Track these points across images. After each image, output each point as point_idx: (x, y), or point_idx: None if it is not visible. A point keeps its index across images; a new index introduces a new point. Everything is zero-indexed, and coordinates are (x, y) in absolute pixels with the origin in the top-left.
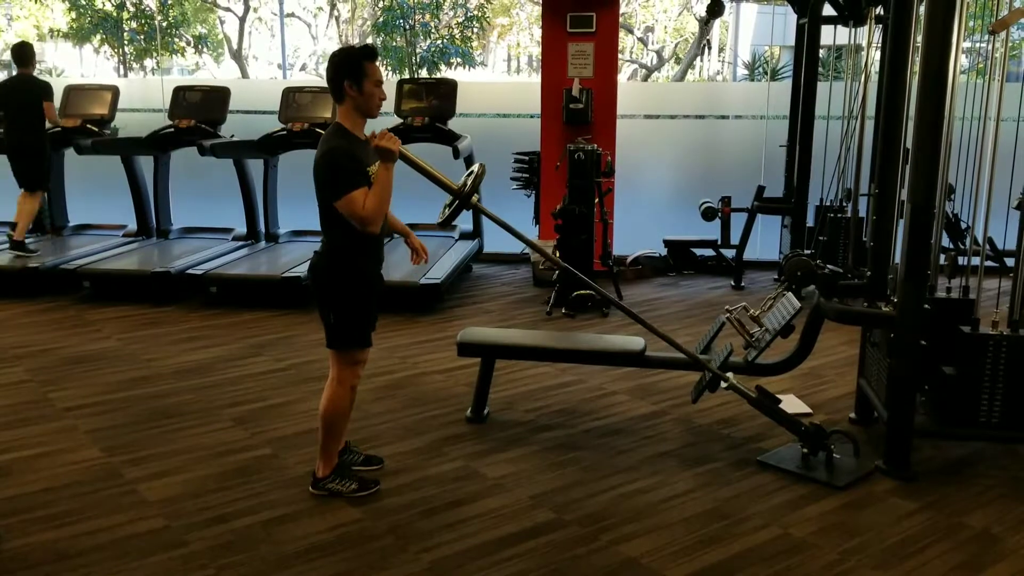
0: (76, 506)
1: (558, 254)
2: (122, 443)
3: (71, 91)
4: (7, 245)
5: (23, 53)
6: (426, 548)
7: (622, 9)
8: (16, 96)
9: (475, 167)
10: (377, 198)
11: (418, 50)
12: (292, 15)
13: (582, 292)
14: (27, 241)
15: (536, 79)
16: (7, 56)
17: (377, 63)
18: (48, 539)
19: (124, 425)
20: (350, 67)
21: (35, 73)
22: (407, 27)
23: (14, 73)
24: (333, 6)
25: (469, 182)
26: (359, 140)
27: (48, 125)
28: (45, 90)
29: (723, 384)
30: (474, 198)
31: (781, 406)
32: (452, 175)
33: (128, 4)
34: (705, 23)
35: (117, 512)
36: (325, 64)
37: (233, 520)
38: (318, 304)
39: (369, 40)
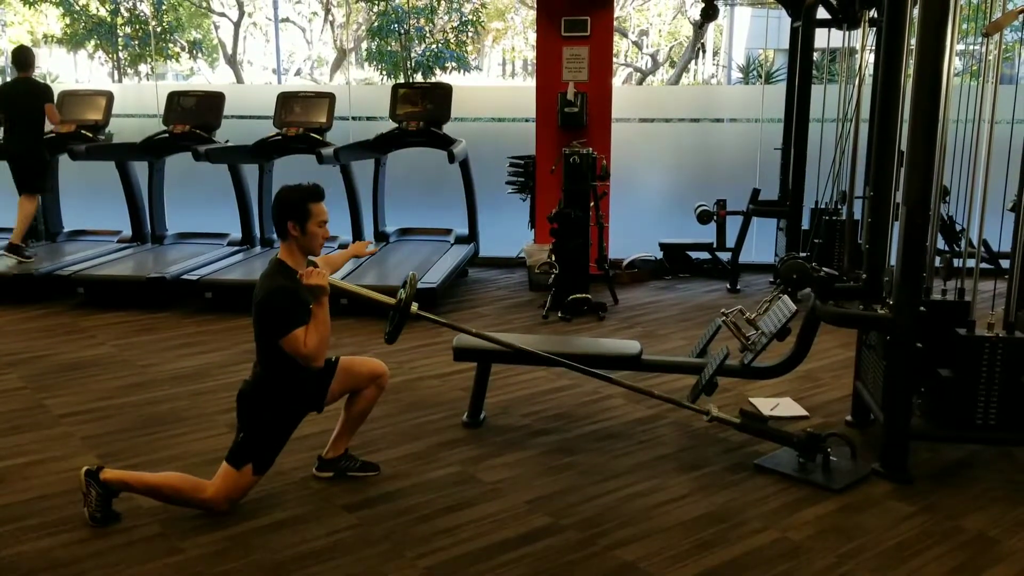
0: (70, 513)
1: (554, 258)
2: (117, 450)
3: (65, 97)
4: (3, 250)
5: (23, 57)
6: (422, 554)
7: (616, 13)
8: (16, 100)
9: (408, 276)
10: (317, 335)
11: (413, 54)
12: (287, 20)
13: (578, 296)
14: (26, 247)
15: (531, 83)
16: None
17: (323, 204)
18: (42, 547)
19: (119, 432)
20: (295, 209)
21: (33, 75)
22: (402, 32)
23: (14, 77)
24: (328, 11)
25: (405, 295)
26: (298, 278)
27: (48, 128)
28: (46, 93)
29: (705, 418)
30: (413, 307)
31: (776, 410)
32: (447, 179)
33: (122, 9)
34: (699, 27)
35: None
36: (319, 69)
37: (228, 527)
38: (237, 421)
39: (363, 45)
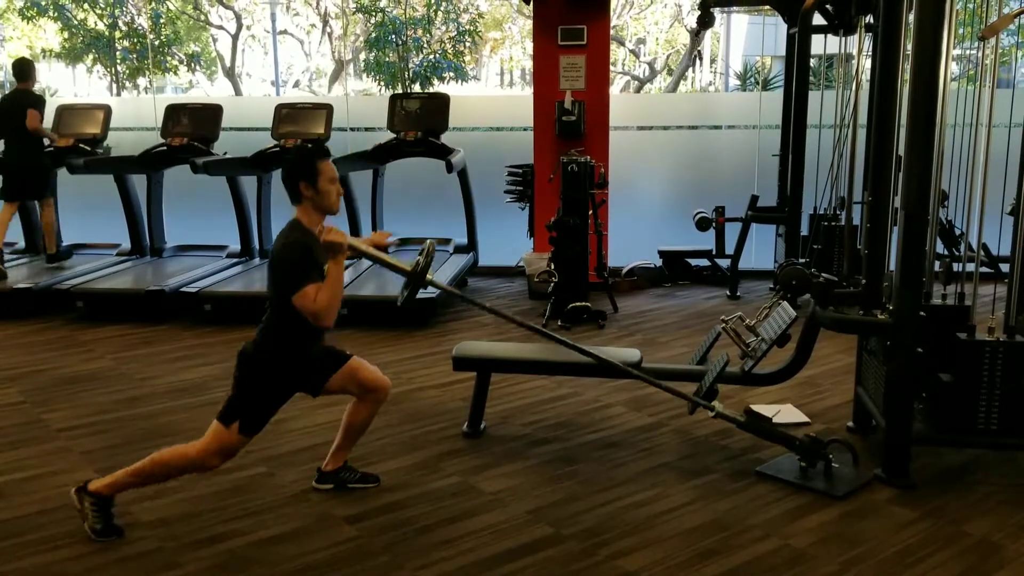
0: (69, 528)
1: (553, 266)
2: (116, 464)
3: (64, 111)
4: (42, 261)
5: (22, 68)
6: (423, 566)
7: (613, 22)
8: (12, 111)
9: (425, 244)
10: (329, 292)
11: (410, 65)
12: (285, 32)
13: (578, 304)
14: (58, 252)
15: (529, 92)
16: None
17: (330, 161)
18: (41, 563)
19: (118, 446)
20: (304, 169)
21: (33, 86)
22: (399, 42)
23: (12, 88)
24: (326, 23)
25: (422, 261)
26: (316, 236)
27: (46, 143)
28: (33, 101)
29: (710, 414)
30: (428, 275)
31: (777, 417)
32: (445, 189)
33: (120, 23)
34: (696, 34)
35: None
36: (318, 80)
37: (227, 540)
38: (233, 380)
39: (361, 56)
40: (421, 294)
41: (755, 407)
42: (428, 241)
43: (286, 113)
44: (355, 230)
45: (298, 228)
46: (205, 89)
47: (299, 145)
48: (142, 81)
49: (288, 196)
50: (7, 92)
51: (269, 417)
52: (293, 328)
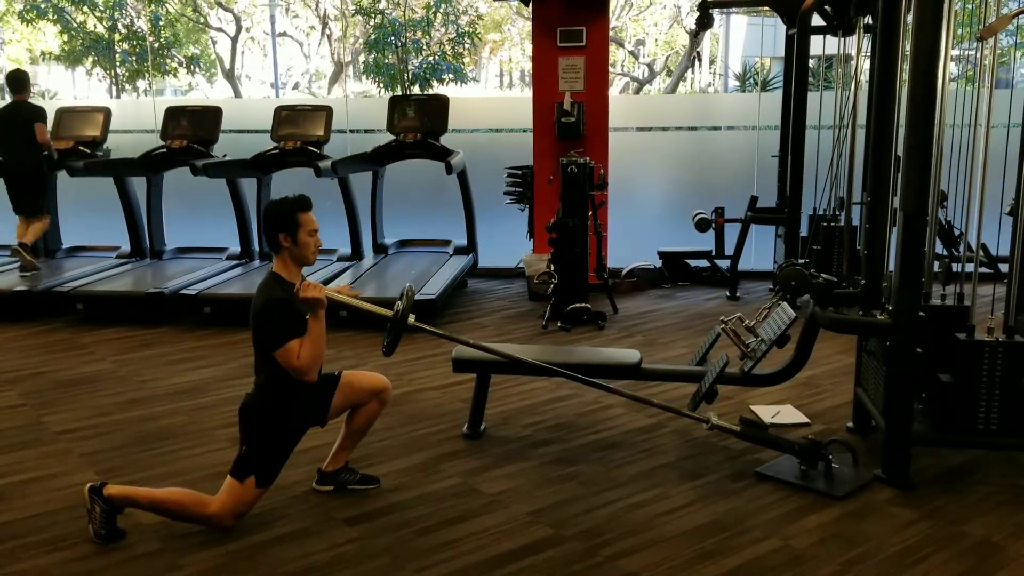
0: (70, 530)
1: (553, 267)
2: (116, 466)
3: (63, 113)
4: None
5: (18, 80)
6: (423, 567)
7: (612, 23)
8: (12, 123)
9: (405, 288)
10: (311, 348)
11: (410, 67)
12: (284, 34)
13: (578, 305)
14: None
15: (528, 94)
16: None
17: (311, 213)
18: (42, 565)
19: (118, 448)
20: (284, 220)
21: (29, 97)
22: (399, 44)
23: (10, 101)
24: (325, 25)
25: (402, 306)
26: (295, 290)
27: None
28: (37, 113)
29: (705, 427)
30: (411, 319)
31: (777, 417)
32: (445, 190)
33: (120, 26)
34: (695, 35)
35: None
36: (317, 82)
37: (228, 542)
38: (240, 435)
39: (361, 58)
40: (420, 296)
41: (755, 408)
42: (407, 285)
43: (286, 115)
44: (355, 233)
45: (277, 283)
46: (205, 91)
47: (280, 198)
48: (141, 83)
49: (268, 246)
50: (5, 104)
51: (282, 464)
52: (285, 379)
